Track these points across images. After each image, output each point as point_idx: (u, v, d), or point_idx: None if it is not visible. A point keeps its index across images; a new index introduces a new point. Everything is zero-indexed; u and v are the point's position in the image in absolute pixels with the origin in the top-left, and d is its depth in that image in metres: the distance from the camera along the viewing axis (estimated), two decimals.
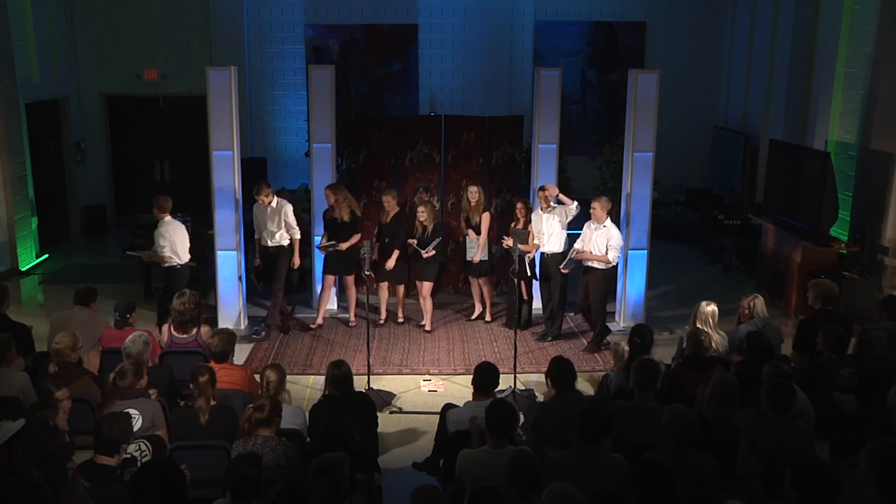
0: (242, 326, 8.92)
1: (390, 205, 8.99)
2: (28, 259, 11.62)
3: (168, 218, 8.51)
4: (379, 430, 6.02)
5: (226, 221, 8.80)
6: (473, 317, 9.39)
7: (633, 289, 9.11)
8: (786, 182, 10.22)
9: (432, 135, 10.11)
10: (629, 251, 9.02)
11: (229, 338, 6.04)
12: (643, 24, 14.34)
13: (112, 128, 14.40)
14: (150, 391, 5.45)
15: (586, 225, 8.47)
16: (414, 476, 5.76)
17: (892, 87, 9.62)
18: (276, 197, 8.79)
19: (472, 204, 9.05)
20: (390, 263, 8.85)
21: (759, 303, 6.86)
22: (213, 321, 8.44)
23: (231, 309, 8.93)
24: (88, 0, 13.84)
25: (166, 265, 8.51)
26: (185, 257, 8.55)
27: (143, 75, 13.99)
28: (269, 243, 8.77)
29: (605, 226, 8.27)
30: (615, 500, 4.21)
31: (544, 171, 9.37)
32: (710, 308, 6.65)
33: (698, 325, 6.55)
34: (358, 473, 4.42)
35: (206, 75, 8.60)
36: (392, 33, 14.21)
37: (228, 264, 8.86)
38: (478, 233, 9.02)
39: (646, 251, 9.05)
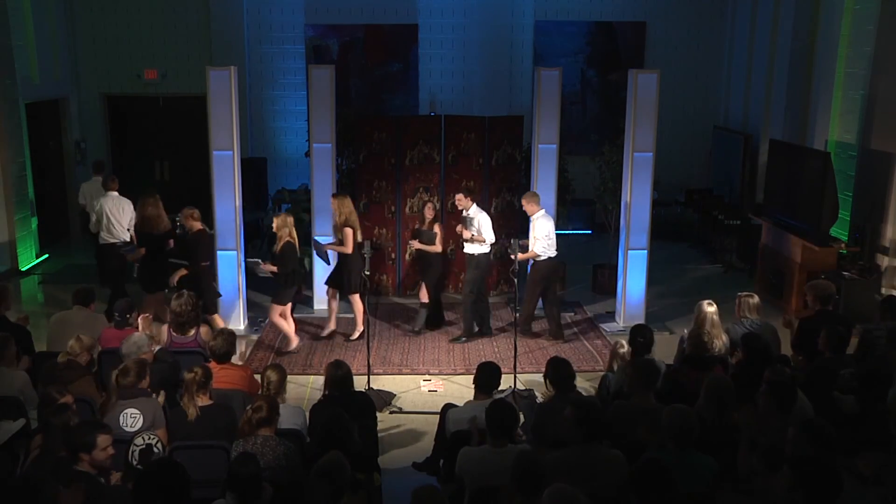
0: (242, 326, 8.92)
1: (189, 222, 8.27)
2: (28, 259, 11.63)
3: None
4: (379, 430, 6.02)
5: (226, 221, 8.80)
6: (324, 334, 8.80)
7: (633, 289, 9.11)
8: (786, 182, 10.22)
9: (432, 135, 10.11)
10: (629, 251, 9.03)
11: (230, 338, 6.04)
12: (643, 24, 14.34)
13: (112, 128, 14.41)
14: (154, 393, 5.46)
15: None
16: (414, 476, 5.76)
17: (892, 87, 9.63)
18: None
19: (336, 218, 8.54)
20: (173, 280, 8.16)
21: (747, 302, 6.82)
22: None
23: (231, 309, 8.93)
24: (88, 0, 13.85)
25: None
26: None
27: (143, 75, 14.00)
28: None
29: (532, 218, 8.51)
30: (615, 500, 4.21)
31: (544, 171, 9.38)
32: (712, 308, 6.64)
33: (700, 326, 6.55)
34: (358, 473, 4.42)
35: (206, 75, 8.61)
36: (392, 33, 14.22)
37: (228, 264, 8.85)
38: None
39: (646, 251, 9.05)
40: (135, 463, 4.69)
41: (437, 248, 8.71)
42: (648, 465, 3.87)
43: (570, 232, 12.67)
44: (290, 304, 8.33)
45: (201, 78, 8.76)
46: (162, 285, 8.44)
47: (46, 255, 12.14)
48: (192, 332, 6.68)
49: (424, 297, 8.89)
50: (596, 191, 10.71)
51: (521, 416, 5.91)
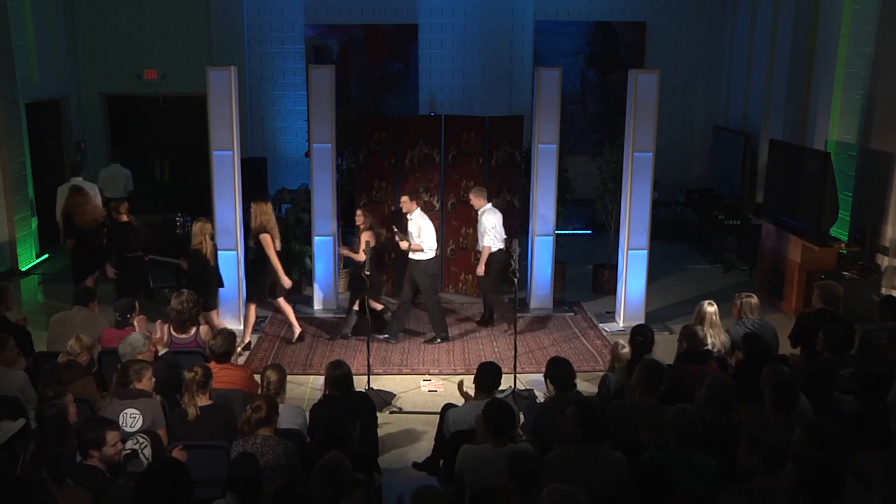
0: (242, 326, 8.90)
1: (113, 214, 8.64)
2: (28, 259, 11.63)
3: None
4: (379, 430, 6.02)
5: (226, 221, 8.80)
6: (293, 339, 8.66)
7: (633, 289, 9.11)
8: (786, 182, 10.22)
9: (432, 135, 10.11)
10: (629, 251, 9.02)
11: (230, 338, 6.04)
12: (643, 24, 14.35)
13: (112, 128, 14.41)
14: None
15: None
16: (414, 476, 5.76)
17: (892, 87, 9.62)
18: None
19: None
20: (108, 273, 8.83)
21: (748, 302, 6.83)
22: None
23: (231, 309, 8.92)
24: (88, 0, 13.85)
25: None
26: None
27: (143, 75, 14.00)
28: None
29: (479, 212, 8.68)
30: (615, 500, 4.21)
31: (544, 171, 9.38)
32: (712, 308, 6.66)
33: (697, 323, 6.56)
34: (358, 473, 4.42)
35: (206, 75, 8.61)
36: (392, 33, 14.22)
37: (228, 264, 8.84)
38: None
39: (646, 251, 9.05)
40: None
41: (361, 256, 8.33)
42: (648, 465, 3.87)
43: (570, 232, 12.67)
44: (215, 311, 8.30)
45: (201, 78, 8.76)
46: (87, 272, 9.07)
47: (46, 255, 12.14)
48: (193, 330, 6.68)
49: (377, 305, 8.74)
50: (596, 191, 10.71)
51: (521, 416, 5.92)
